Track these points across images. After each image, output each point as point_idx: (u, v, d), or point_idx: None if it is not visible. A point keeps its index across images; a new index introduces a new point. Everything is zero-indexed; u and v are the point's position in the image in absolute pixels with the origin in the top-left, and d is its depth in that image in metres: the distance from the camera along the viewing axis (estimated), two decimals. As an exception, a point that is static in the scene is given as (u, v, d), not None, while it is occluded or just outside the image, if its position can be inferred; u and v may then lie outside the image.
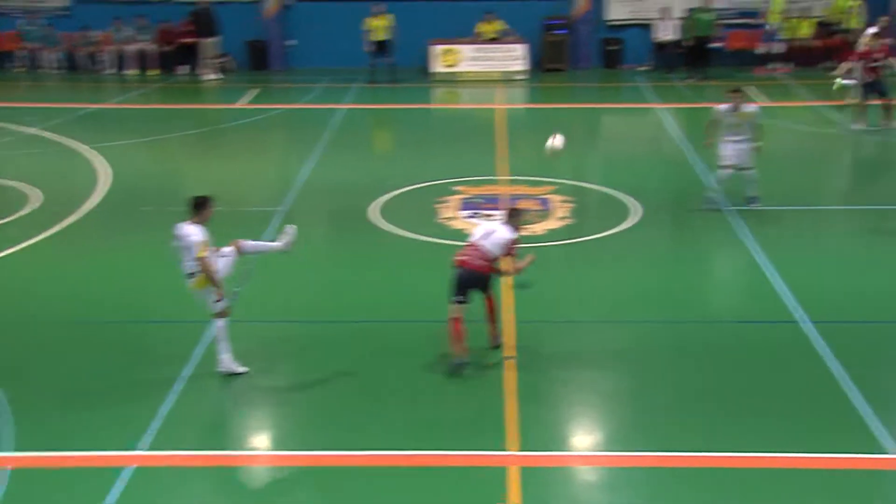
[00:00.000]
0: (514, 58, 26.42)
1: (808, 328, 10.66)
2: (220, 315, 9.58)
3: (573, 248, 13.44)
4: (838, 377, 9.57)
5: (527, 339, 10.37)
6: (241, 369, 9.71)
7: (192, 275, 9.49)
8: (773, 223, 14.29)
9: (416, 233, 13.96)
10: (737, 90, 14.80)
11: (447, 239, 13.57)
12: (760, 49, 26.26)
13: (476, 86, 25.95)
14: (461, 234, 13.66)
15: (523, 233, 10.13)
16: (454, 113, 23.98)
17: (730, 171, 14.69)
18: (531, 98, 25.19)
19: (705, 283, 12.78)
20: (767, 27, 26.13)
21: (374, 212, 14.90)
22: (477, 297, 9.88)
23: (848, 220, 14.83)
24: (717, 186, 14.85)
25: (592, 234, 13.88)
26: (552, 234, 13.89)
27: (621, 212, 14.74)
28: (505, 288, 11.21)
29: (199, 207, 9.54)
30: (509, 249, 9.73)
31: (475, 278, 9.73)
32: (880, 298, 11.65)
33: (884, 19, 22.06)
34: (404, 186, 16.20)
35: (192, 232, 9.37)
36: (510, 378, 9.64)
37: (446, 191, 15.92)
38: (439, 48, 26.63)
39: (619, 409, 9.33)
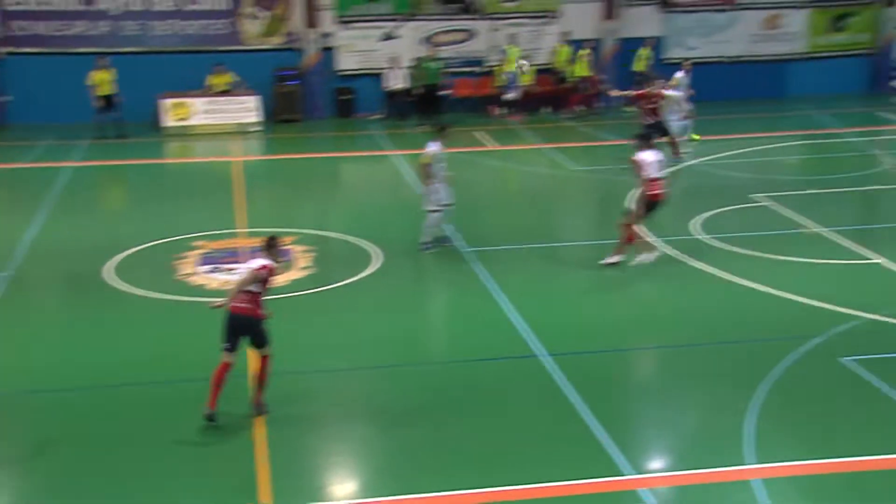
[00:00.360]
0: (246, 109, 26.21)
1: (547, 361, 11.12)
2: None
3: (318, 297, 13.42)
4: (577, 406, 10.02)
5: (275, 390, 10.22)
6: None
7: None
8: (508, 261, 14.84)
9: (153, 291, 13.49)
10: (443, 128, 15.33)
11: (187, 296, 13.22)
12: (508, 96, 27.19)
13: (210, 139, 25.52)
14: (202, 291, 13.35)
15: (277, 270, 9.95)
16: (189, 167, 23.46)
17: (441, 212, 15.27)
18: (267, 149, 25.04)
19: (448, 324, 13.08)
20: (505, 76, 27.20)
21: (108, 272, 14.28)
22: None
23: (574, 255, 15.60)
24: (432, 231, 15.31)
25: (336, 282, 13.91)
26: (296, 285, 13.82)
27: (364, 258, 14.87)
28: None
29: None
30: (265, 278, 9.55)
31: (241, 322, 9.49)
32: (606, 328, 12.35)
33: (687, 63, 23.37)
34: (140, 244, 15.64)
35: None
36: (260, 432, 9.47)
37: (185, 247, 15.51)
38: (169, 102, 26.02)
39: (371, 454, 9.36)
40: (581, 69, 27.52)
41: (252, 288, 9.49)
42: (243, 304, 9.48)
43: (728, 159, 21.37)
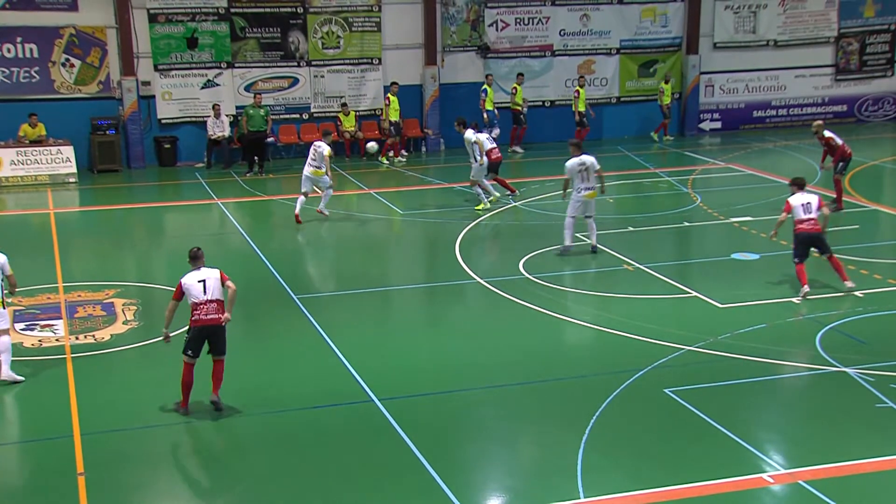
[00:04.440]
0: (62, 160, 25.23)
1: (383, 405, 11.08)
2: None
3: (142, 351, 12.99)
4: (414, 449, 10.02)
5: (97, 451, 9.87)
6: None
7: None
8: (336, 307, 14.80)
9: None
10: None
11: (2, 356, 12.52)
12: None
13: (23, 191, 24.39)
14: (16, 349, 12.72)
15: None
16: (2, 220, 22.30)
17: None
18: (85, 200, 24.08)
19: (282, 372, 12.79)
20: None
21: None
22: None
23: (400, 299, 15.70)
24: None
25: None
26: (118, 339, 13.34)
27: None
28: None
29: None
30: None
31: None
32: (437, 370, 12.43)
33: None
34: (-53, 303, 14.76)
35: None
36: (81, 497, 9.11)
37: (-3, 304, 14.72)
38: (-29, 153, 24.69)
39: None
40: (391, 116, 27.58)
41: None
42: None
43: (550, 200, 21.94)
